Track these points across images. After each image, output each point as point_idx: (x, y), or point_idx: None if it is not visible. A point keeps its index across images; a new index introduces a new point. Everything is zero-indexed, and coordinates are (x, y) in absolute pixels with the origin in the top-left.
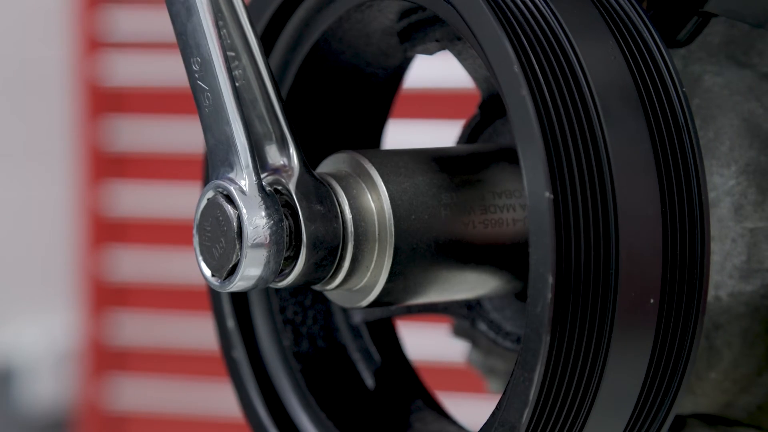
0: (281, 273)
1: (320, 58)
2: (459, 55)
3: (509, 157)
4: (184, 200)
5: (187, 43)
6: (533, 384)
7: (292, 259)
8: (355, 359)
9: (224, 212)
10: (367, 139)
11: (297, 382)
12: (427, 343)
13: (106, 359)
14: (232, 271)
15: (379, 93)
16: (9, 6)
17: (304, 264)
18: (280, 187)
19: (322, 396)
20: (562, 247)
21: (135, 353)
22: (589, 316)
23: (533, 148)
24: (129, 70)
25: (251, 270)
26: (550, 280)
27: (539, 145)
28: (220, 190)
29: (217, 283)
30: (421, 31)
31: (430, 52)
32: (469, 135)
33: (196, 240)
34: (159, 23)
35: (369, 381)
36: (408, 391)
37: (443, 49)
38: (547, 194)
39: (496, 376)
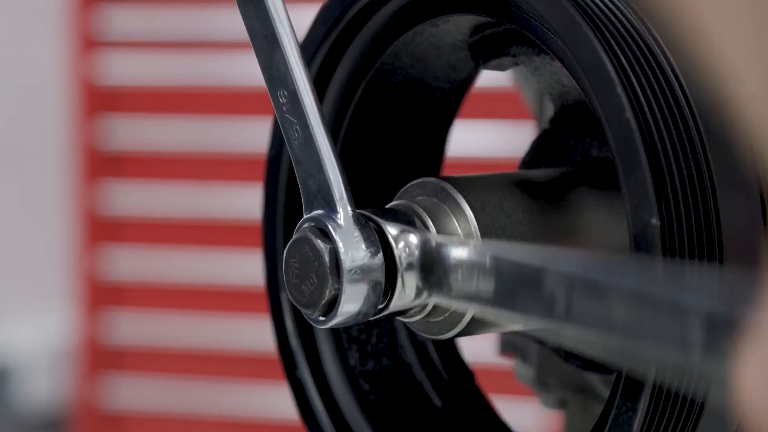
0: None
1: (388, 72)
2: (535, 71)
3: (591, 181)
4: (180, 199)
5: (272, 76)
6: (638, 414)
7: (388, 291)
8: (420, 378)
9: (313, 247)
10: (430, 151)
11: (364, 401)
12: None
13: (101, 358)
14: (330, 307)
15: (444, 106)
16: (5, 5)
17: (400, 295)
18: (372, 223)
19: (391, 416)
20: None
21: (130, 352)
22: None
23: (638, 174)
24: (125, 69)
25: (351, 305)
26: None
27: (645, 171)
28: (314, 224)
29: (313, 320)
30: (496, 46)
31: (504, 68)
32: (535, 150)
33: (282, 278)
34: (155, 22)
35: (436, 399)
36: (475, 408)
37: (518, 65)
38: (654, 221)
39: (548, 390)
